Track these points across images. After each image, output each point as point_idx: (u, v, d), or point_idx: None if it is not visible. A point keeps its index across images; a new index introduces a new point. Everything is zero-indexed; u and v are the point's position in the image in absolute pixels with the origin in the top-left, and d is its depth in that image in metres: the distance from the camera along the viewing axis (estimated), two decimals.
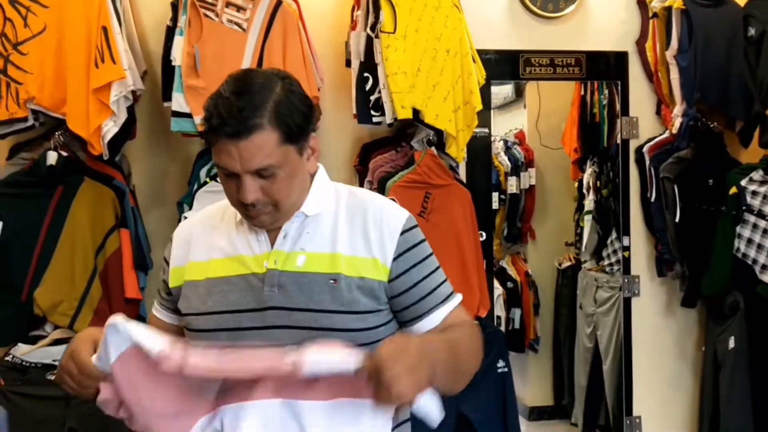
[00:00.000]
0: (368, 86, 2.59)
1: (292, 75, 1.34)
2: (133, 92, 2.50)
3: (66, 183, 2.48)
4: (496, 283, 4.82)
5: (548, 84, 3.94)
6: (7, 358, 2.41)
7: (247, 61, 2.51)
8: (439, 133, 2.72)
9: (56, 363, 2.42)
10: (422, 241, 1.38)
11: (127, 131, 2.51)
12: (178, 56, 2.45)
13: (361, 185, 2.77)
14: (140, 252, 2.57)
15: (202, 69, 2.44)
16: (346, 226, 1.34)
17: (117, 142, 2.49)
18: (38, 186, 2.45)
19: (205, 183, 2.57)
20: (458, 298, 1.40)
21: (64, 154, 2.49)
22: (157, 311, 1.46)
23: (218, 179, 2.55)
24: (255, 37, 2.53)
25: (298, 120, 1.26)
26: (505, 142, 4.87)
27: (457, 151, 2.69)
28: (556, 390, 4.59)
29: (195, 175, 2.63)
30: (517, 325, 4.64)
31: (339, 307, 1.29)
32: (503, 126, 5.15)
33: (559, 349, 4.57)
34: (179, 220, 2.52)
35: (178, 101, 2.43)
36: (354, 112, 2.66)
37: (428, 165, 2.66)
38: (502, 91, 4.96)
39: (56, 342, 2.44)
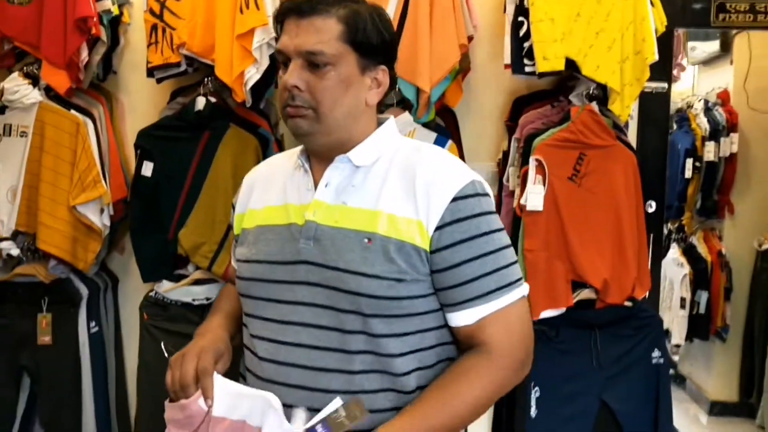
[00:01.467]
0: (522, 32, 2.35)
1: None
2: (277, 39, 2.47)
3: (213, 129, 2.52)
4: (683, 261, 4.35)
5: (761, 35, 3.39)
6: (151, 294, 2.54)
7: (391, 9, 2.38)
8: (603, 87, 2.41)
9: (195, 302, 2.51)
10: (484, 213, 1.18)
11: (270, 78, 2.50)
12: None
13: (509, 143, 2.55)
14: None
15: None
16: (396, 181, 1.19)
17: (259, 90, 2.49)
18: (187, 130, 2.52)
19: None
20: (510, 295, 1.17)
21: (213, 100, 2.53)
22: (232, 259, 1.40)
23: None
24: None
25: (371, 33, 1.19)
26: (706, 102, 4.33)
27: (622, 107, 2.37)
28: (743, 385, 4.08)
29: None
30: (702, 310, 4.17)
31: (368, 270, 1.15)
32: (706, 84, 4.57)
33: (751, 340, 4.04)
34: None
35: None
36: (506, 61, 2.43)
37: (585, 122, 2.37)
38: (705, 46, 4.39)
39: (197, 282, 2.53)
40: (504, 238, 1.21)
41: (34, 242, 2.57)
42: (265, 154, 2.56)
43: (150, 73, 2.53)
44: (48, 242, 2.52)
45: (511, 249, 1.22)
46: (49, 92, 2.58)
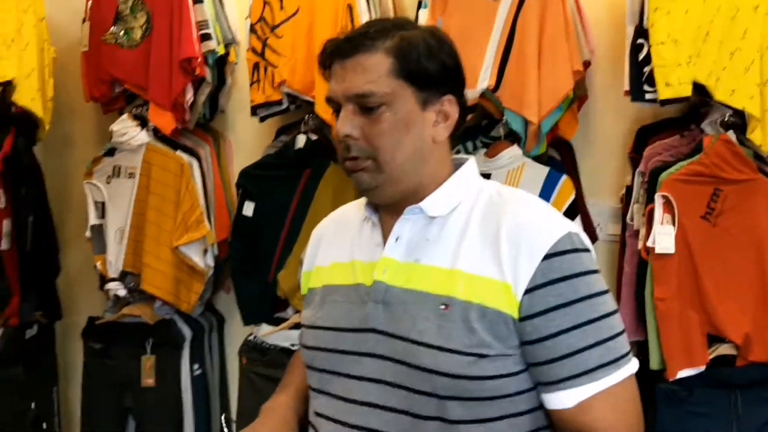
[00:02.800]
0: (642, 55, 2.12)
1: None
2: None
3: (313, 166, 2.45)
4: None
5: None
6: (250, 338, 2.48)
7: (496, 34, 2.23)
8: (741, 113, 2.13)
9: (294, 347, 2.42)
10: (584, 273, 0.98)
11: None
12: None
13: (633, 177, 2.30)
14: None
15: None
16: (477, 235, 1.02)
17: None
18: (287, 168, 2.46)
19: None
20: (617, 373, 0.97)
21: (314, 137, 2.46)
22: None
23: None
24: (507, 6, 2.22)
25: (427, 62, 1.04)
26: None
27: (764, 136, 2.07)
28: None
29: None
30: None
31: (444, 343, 0.97)
32: None
33: None
34: None
35: None
36: (626, 87, 2.21)
37: (720, 153, 2.09)
38: None
39: (296, 326, 2.44)
40: (609, 303, 1.01)
41: (140, 283, 2.58)
42: None
43: (253, 111, 2.51)
44: (152, 283, 2.52)
45: (618, 316, 1.02)
46: (158, 133, 2.60)
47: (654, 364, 2.11)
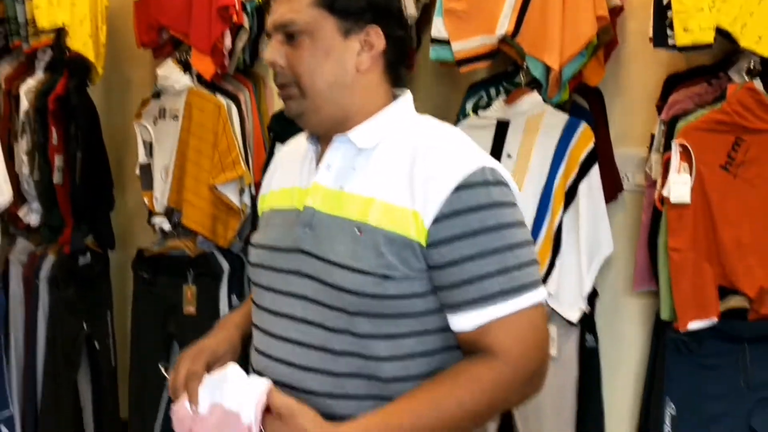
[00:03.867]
0: (666, 0, 2.06)
1: None
2: None
3: None
4: None
5: None
6: None
7: None
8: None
9: None
10: (493, 205, 1.04)
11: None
12: None
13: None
14: None
15: None
16: (397, 166, 1.07)
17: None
18: None
19: (468, 116, 2.37)
20: (519, 300, 1.02)
21: None
22: None
23: (480, 113, 2.34)
24: None
25: None
26: None
27: None
28: None
29: (462, 108, 2.45)
30: None
31: (355, 263, 1.04)
32: None
33: None
34: None
35: (437, 26, 2.26)
36: (650, 34, 2.15)
37: (743, 101, 2.02)
38: None
39: None
40: (519, 235, 1.05)
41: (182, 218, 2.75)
42: None
43: None
44: (191, 219, 2.69)
45: (529, 248, 1.06)
46: (200, 78, 2.73)
47: (665, 314, 2.10)
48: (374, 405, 1.05)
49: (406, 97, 1.18)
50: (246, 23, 2.64)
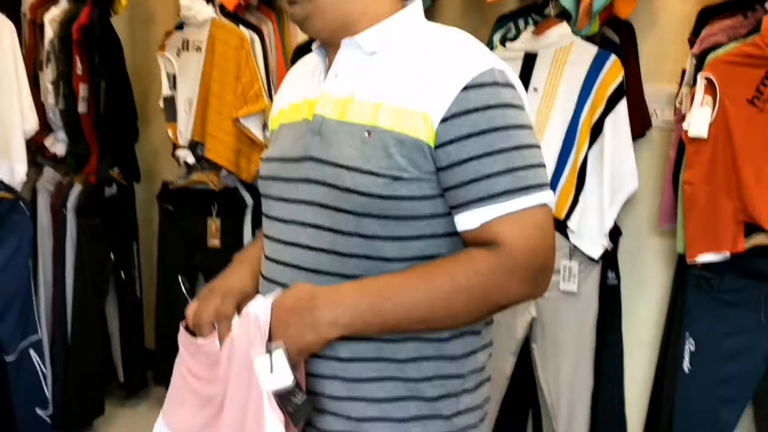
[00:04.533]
0: None
1: None
2: None
3: None
4: None
5: None
6: None
7: None
8: None
9: None
10: (501, 106, 1.02)
11: None
12: None
13: None
14: None
15: None
16: (406, 69, 1.06)
17: None
18: None
19: (494, 48, 2.33)
20: (525, 199, 1.02)
21: None
22: None
23: (508, 45, 2.30)
24: None
25: None
26: None
27: None
28: None
29: (490, 40, 2.41)
30: None
31: (364, 165, 1.04)
32: None
33: None
34: None
35: None
36: None
37: None
38: None
39: None
40: (526, 137, 1.04)
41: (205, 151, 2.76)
42: None
43: None
44: (214, 152, 2.69)
45: (536, 150, 1.05)
46: (224, 9, 2.70)
47: (680, 247, 2.09)
48: None
49: (416, 4, 1.17)
50: None
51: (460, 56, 1.05)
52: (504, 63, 1.08)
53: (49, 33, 2.69)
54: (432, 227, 1.07)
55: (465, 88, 1.02)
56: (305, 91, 1.19)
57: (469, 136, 1.01)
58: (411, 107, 1.04)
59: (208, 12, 2.68)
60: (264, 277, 1.17)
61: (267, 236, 1.19)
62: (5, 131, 2.48)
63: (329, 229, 1.08)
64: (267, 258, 1.17)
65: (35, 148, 2.81)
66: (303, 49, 2.57)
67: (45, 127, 2.74)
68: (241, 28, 2.66)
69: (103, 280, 2.80)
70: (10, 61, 2.47)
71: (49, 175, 2.81)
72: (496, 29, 2.40)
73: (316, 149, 1.11)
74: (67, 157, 2.80)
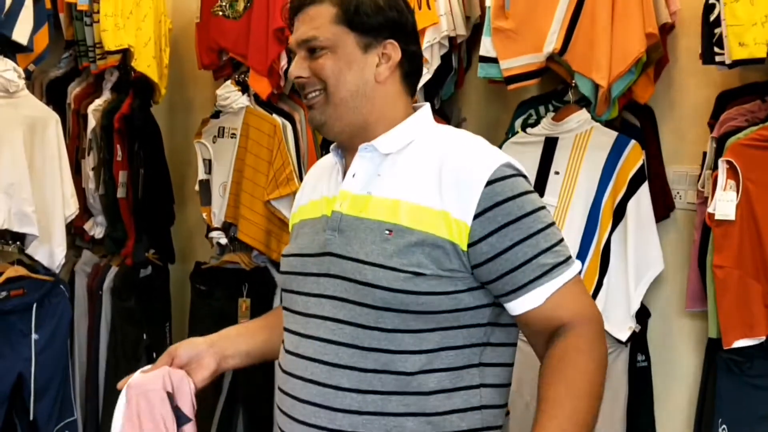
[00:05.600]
0: (713, 16, 2.05)
1: None
2: (453, 39, 2.44)
3: None
4: None
5: None
6: None
7: (564, 0, 2.22)
8: None
9: None
10: (522, 194, 1.12)
11: (442, 78, 2.48)
12: None
13: None
14: None
15: (512, 9, 2.25)
16: (422, 169, 1.14)
17: (434, 90, 2.48)
18: None
19: (515, 133, 2.39)
20: (569, 271, 1.11)
21: None
22: None
23: (528, 130, 2.36)
24: None
25: (369, 11, 1.17)
26: None
27: None
28: None
29: (511, 125, 2.48)
30: None
31: (385, 261, 1.10)
32: None
33: None
34: None
35: (485, 45, 2.29)
36: (700, 50, 2.14)
37: None
38: None
39: None
40: (549, 216, 1.15)
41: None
42: None
43: None
44: (246, 233, 2.77)
45: (557, 228, 1.16)
46: (258, 98, 2.83)
47: (712, 332, 2.08)
48: (400, 400, 1.10)
49: (426, 109, 1.25)
50: None
51: (476, 155, 1.14)
52: (508, 157, 1.16)
53: (92, 122, 2.83)
54: (449, 320, 1.11)
55: (488, 183, 1.09)
56: (324, 189, 1.25)
57: (507, 224, 1.09)
58: (431, 206, 1.10)
59: (244, 101, 2.81)
60: (283, 371, 1.21)
61: (287, 329, 1.23)
62: (47, 216, 2.60)
63: (350, 323, 1.12)
64: (286, 351, 1.21)
65: (75, 232, 2.92)
66: None
67: (85, 212, 2.85)
68: (274, 115, 2.78)
69: (135, 360, 2.85)
70: (55, 150, 2.61)
71: (87, 258, 2.91)
72: (518, 115, 2.47)
73: (336, 245, 1.16)
74: (105, 240, 2.90)
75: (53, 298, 2.61)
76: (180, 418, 1.21)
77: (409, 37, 1.22)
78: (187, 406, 1.21)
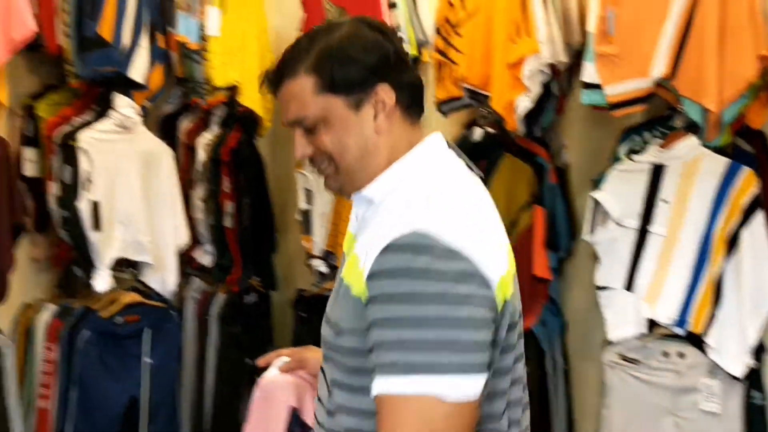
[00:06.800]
0: None
1: (378, 21, 1.16)
2: (554, 66, 2.41)
3: (489, 158, 2.57)
4: None
5: None
6: None
7: (672, 20, 2.16)
8: None
9: None
10: (413, 272, 0.95)
11: (544, 106, 2.45)
12: (591, 22, 2.27)
13: None
14: (554, 231, 2.50)
15: (617, 34, 2.20)
16: (372, 222, 1.08)
17: (534, 118, 2.46)
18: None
19: (621, 161, 2.33)
20: (406, 385, 0.93)
21: (490, 130, 2.57)
22: None
23: (634, 157, 2.30)
24: None
25: (349, 67, 1.08)
26: None
27: None
28: None
29: (615, 152, 2.42)
30: None
31: (329, 314, 1.09)
32: None
33: None
34: (595, 201, 2.36)
35: (588, 71, 2.25)
36: None
37: None
38: None
39: None
40: (434, 310, 0.93)
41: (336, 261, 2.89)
42: (541, 181, 2.52)
43: (438, 107, 2.68)
44: None
45: (444, 330, 0.93)
46: None
47: None
48: None
49: (425, 143, 1.13)
50: None
51: (394, 215, 1.03)
52: (451, 224, 0.99)
53: (201, 155, 2.96)
54: (360, 381, 1.03)
55: (384, 249, 0.98)
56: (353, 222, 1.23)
57: (378, 299, 0.97)
58: (359, 260, 1.03)
59: None
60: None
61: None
62: (160, 245, 2.73)
63: (323, 380, 1.13)
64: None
65: (185, 260, 3.04)
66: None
67: (194, 241, 2.97)
68: None
69: (241, 384, 2.93)
70: (167, 183, 2.75)
71: (196, 285, 3.03)
72: (622, 142, 2.41)
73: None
74: (213, 268, 3.01)
75: (165, 323, 2.73)
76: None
77: (397, 68, 1.11)
78: (310, 420, 1.24)
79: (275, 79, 1.12)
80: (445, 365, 0.92)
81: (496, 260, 1.01)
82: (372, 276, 0.98)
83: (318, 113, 1.09)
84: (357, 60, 1.09)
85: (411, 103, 1.13)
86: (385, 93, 1.09)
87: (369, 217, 1.11)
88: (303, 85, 1.09)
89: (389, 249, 0.97)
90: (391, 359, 0.94)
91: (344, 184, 1.14)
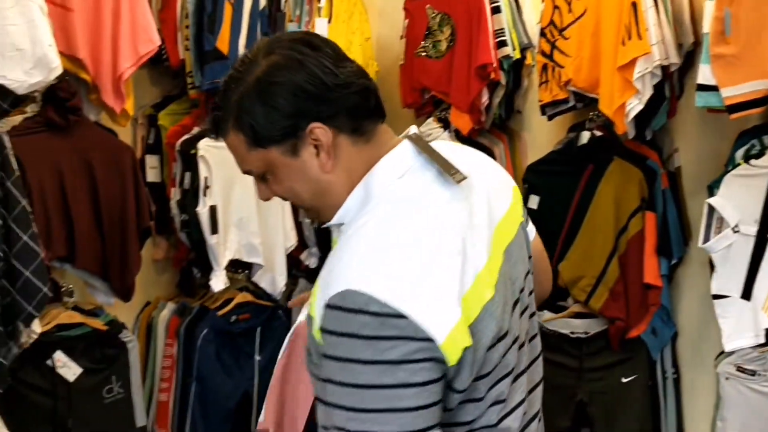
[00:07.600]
0: None
1: (314, 42, 1.05)
2: (665, 67, 2.36)
3: (597, 162, 2.53)
4: None
5: None
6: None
7: None
8: None
9: (573, 335, 2.54)
10: (352, 337, 0.91)
11: (656, 108, 2.40)
12: (705, 23, 2.20)
13: None
14: (666, 237, 2.44)
15: (734, 34, 2.13)
16: (331, 257, 1.03)
17: (645, 121, 2.41)
18: (571, 164, 2.58)
19: (737, 165, 2.25)
20: None
21: (598, 133, 2.54)
22: None
23: (752, 162, 2.22)
24: None
25: (270, 121, 1.01)
26: None
27: None
28: None
29: (731, 157, 2.34)
30: None
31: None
32: None
33: None
34: (710, 207, 2.29)
35: (704, 73, 2.18)
36: None
37: None
38: None
39: (576, 315, 2.56)
40: (372, 378, 0.91)
41: None
42: (652, 186, 2.47)
43: (542, 110, 2.67)
44: None
45: (382, 401, 0.91)
46: (458, 133, 2.90)
47: None
48: None
49: (382, 164, 1.05)
50: (503, 80, 2.77)
51: (336, 265, 0.98)
52: (385, 279, 0.93)
53: None
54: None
55: (325, 306, 0.94)
56: None
57: (322, 350, 0.96)
58: (315, 301, 0.98)
59: (445, 137, 2.89)
60: None
61: None
62: (270, 247, 2.83)
63: None
64: None
65: (292, 262, 3.14)
66: (536, 169, 2.68)
67: (301, 243, 3.06)
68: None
69: None
70: None
71: (303, 286, 3.12)
72: (739, 146, 2.33)
73: None
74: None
75: (274, 322, 2.83)
76: None
77: (324, 99, 1.02)
78: None
79: (214, 133, 1.09)
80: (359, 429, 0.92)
81: (443, 307, 0.93)
82: (320, 328, 0.95)
83: (260, 166, 1.06)
84: (275, 108, 1.02)
85: (356, 125, 1.04)
86: (320, 131, 1.02)
87: (336, 246, 1.06)
88: (235, 143, 1.06)
89: (329, 307, 0.94)
90: (333, 422, 0.93)
91: (315, 217, 1.14)
